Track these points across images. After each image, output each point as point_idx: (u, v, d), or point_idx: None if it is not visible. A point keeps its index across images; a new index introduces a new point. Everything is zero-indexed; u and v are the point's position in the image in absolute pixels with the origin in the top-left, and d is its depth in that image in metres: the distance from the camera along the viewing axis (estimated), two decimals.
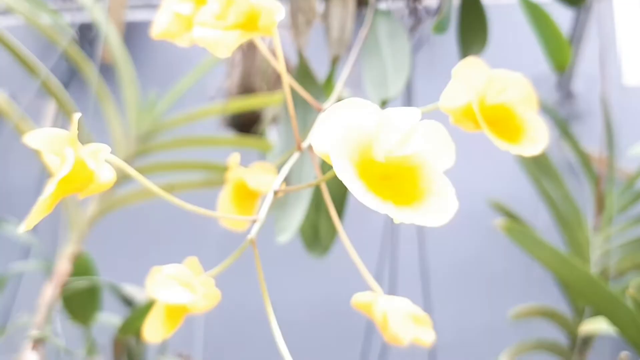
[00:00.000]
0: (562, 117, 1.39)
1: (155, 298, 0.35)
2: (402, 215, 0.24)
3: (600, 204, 1.18)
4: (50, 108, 1.14)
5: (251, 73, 1.16)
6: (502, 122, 0.34)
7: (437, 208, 0.25)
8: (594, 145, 1.23)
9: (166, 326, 0.36)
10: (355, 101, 0.25)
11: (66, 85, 1.06)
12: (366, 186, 0.24)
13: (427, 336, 0.38)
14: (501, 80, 0.34)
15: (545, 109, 1.28)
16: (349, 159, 0.24)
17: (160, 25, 0.33)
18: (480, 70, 0.33)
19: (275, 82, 1.18)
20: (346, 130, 0.24)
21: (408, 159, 0.26)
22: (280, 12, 0.30)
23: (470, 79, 0.33)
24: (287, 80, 0.34)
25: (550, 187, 1.17)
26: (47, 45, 1.03)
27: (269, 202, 0.34)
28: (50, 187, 0.27)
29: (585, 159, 1.20)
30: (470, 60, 0.33)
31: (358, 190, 0.23)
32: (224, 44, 0.30)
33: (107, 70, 1.05)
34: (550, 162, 1.19)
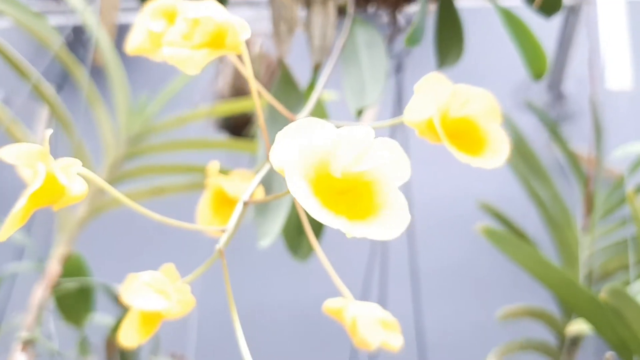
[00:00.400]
0: (552, 118, 1.40)
1: (130, 304, 0.37)
2: (355, 229, 0.25)
3: (590, 205, 1.18)
4: (44, 111, 1.15)
5: (242, 75, 1.17)
6: (466, 134, 0.35)
7: (390, 222, 0.26)
8: (584, 146, 1.24)
9: (141, 332, 0.37)
10: (313, 120, 0.27)
11: (60, 87, 1.07)
12: (320, 202, 0.25)
13: (395, 341, 0.39)
14: (464, 94, 0.35)
15: (535, 110, 1.29)
16: (304, 176, 0.25)
17: (134, 42, 0.34)
18: (444, 85, 0.34)
19: (267, 84, 1.19)
20: (302, 148, 0.26)
21: (364, 174, 0.27)
22: (247, 31, 0.32)
23: (434, 94, 0.34)
24: (257, 92, 0.35)
25: (539, 188, 1.18)
26: (40, 47, 1.04)
27: (238, 212, 0.35)
28: (21, 201, 0.28)
29: (574, 160, 1.21)
30: (434, 75, 0.34)
31: (311, 206, 0.24)
32: (192, 62, 0.31)
33: (99, 73, 1.06)
34: (539, 163, 1.20)
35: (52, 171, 0.29)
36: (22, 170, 0.31)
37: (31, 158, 0.30)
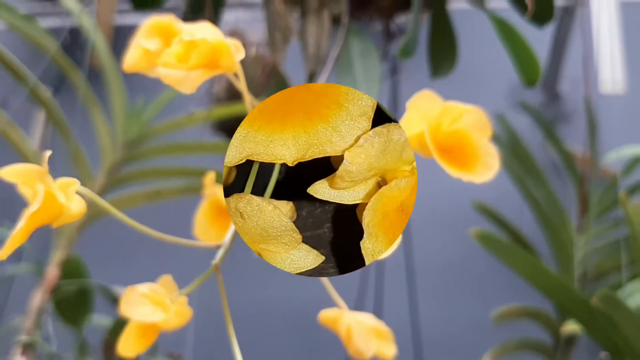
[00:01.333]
0: (547, 118, 1.40)
1: (128, 316, 0.37)
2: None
3: (584, 205, 1.19)
4: (40, 114, 1.15)
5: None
6: (456, 149, 0.36)
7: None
8: (579, 146, 1.24)
9: (140, 343, 0.38)
10: None
11: (56, 90, 1.07)
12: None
13: (388, 350, 0.40)
14: (455, 110, 0.35)
15: (530, 111, 1.30)
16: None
17: (130, 59, 0.35)
18: (435, 101, 0.35)
19: (264, 86, 1.19)
20: None
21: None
22: (241, 52, 0.32)
23: (425, 109, 0.35)
24: (250, 105, 0.36)
25: (534, 187, 1.19)
26: (36, 50, 1.04)
27: (234, 227, 0.36)
28: (21, 222, 0.28)
29: (569, 160, 1.22)
30: (425, 92, 0.35)
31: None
32: (187, 82, 0.31)
33: (95, 76, 1.06)
34: (534, 163, 1.20)
35: (51, 191, 0.29)
36: (22, 188, 0.32)
37: (30, 177, 0.30)
